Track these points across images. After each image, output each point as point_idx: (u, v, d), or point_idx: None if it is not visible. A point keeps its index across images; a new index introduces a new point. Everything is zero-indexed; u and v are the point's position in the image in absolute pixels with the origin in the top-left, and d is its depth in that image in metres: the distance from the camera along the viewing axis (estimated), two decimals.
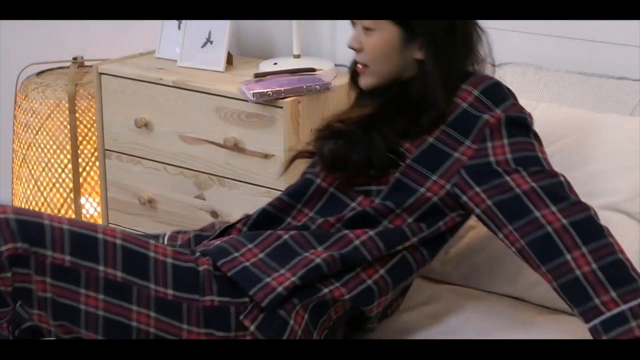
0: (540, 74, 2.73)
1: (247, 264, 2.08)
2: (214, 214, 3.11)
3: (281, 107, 2.91)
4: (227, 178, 3.06)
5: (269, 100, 2.91)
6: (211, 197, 3.12)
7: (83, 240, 1.96)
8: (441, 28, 2.23)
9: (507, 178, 2.11)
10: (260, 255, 2.11)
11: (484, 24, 2.86)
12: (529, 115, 2.21)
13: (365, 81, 2.32)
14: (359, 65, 2.33)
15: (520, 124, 2.18)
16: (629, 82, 2.63)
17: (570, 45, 2.84)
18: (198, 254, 2.11)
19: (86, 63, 3.55)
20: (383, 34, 2.26)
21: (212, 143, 3.06)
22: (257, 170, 3.00)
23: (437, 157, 2.19)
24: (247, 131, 2.99)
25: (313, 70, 3.04)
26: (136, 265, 1.99)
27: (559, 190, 2.10)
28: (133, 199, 3.27)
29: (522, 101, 2.63)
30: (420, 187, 2.18)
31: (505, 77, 2.76)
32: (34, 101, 3.47)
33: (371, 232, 2.14)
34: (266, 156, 2.97)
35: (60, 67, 3.63)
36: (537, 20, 2.81)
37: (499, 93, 2.22)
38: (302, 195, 2.25)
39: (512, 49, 2.93)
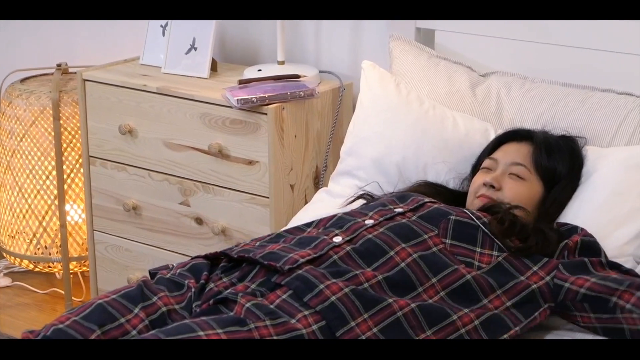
0: (525, 87, 2.73)
1: (363, 337, 2.04)
2: (199, 220, 3.11)
3: (265, 114, 2.91)
4: (212, 184, 3.06)
5: (253, 107, 2.91)
6: (196, 203, 3.12)
7: None
8: (565, 196, 2.46)
9: (602, 273, 2.23)
10: (374, 330, 2.06)
11: (469, 29, 2.89)
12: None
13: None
14: (486, 197, 2.43)
15: (593, 247, 2.33)
16: (614, 95, 2.63)
17: (556, 52, 2.86)
18: (253, 325, 2.00)
19: (70, 70, 3.55)
20: (531, 186, 2.45)
21: (197, 149, 3.06)
22: (242, 177, 3.00)
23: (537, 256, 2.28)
24: (231, 137, 2.99)
25: (297, 76, 3.05)
26: None
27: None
28: (118, 206, 3.27)
29: (505, 121, 2.67)
30: (520, 276, 2.23)
31: (492, 88, 2.77)
32: (18, 108, 3.47)
33: (477, 322, 2.15)
34: (251, 162, 2.97)
35: (44, 74, 3.62)
36: (523, 28, 2.82)
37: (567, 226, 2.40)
38: (408, 238, 2.22)
39: (498, 56, 2.94)
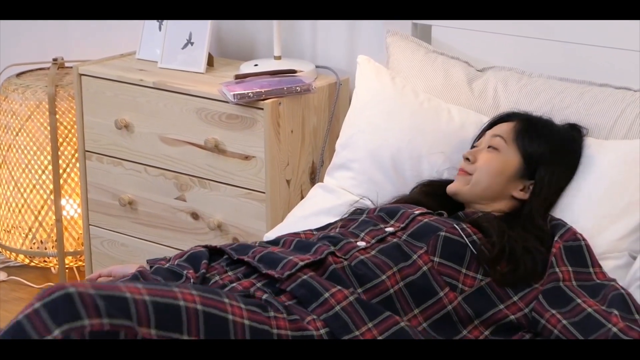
0: (523, 82, 2.73)
1: None
2: (195, 215, 3.11)
3: (262, 109, 2.91)
4: (208, 179, 3.06)
5: (250, 102, 2.91)
6: (192, 198, 3.11)
7: (166, 311, 1.86)
8: (554, 181, 2.42)
9: (579, 301, 2.21)
10: (379, 339, 2.07)
11: (466, 25, 2.89)
12: (583, 238, 2.34)
13: (456, 186, 2.45)
14: (462, 170, 2.45)
15: (577, 252, 2.31)
16: (611, 90, 2.63)
17: (553, 48, 2.86)
18: (272, 313, 2.01)
19: (66, 64, 3.54)
20: (505, 157, 2.43)
21: (193, 144, 3.06)
22: (238, 172, 3.00)
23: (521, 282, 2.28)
24: (227, 132, 2.99)
25: (294, 71, 3.04)
26: (218, 331, 1.91)
27: (620, 304, 2.20)
28: (113, 201, 3.27)
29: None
30: (500, 304, 2.23)
31: (489, 82, 2.77)
32: (14, 102, 3.47)
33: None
34: (247, 157, 2.97)
35: (40, 69, 3.62)
36: (521, 23, 2.82)
37: (555, 221, 2.39)
38: (399, 260, 2.22)
39: (496, 51, 2.94)
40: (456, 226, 2.28)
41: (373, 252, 2.22)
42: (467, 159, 2.46)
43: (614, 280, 2.26)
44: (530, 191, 2.42)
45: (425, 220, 2.31)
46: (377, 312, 2.08)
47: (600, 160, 2.44)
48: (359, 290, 2.13)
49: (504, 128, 2.49)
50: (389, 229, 2.31)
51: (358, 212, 2.53)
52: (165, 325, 1.85)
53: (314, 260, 2.17)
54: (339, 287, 2.10)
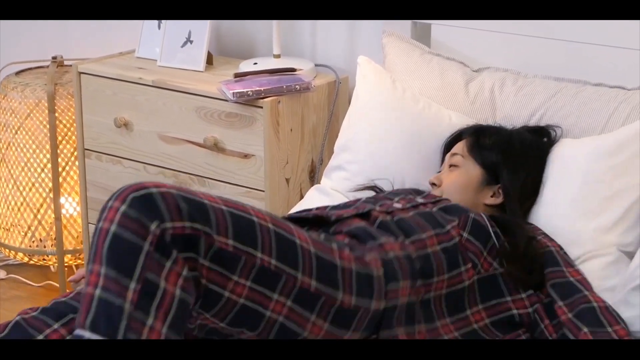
0: (519, 83, 2.73)
1: (400, 301, 2.09)
2: None
3: (261, 107, 2.91)
4: (207, 178, 3.06)
5: (249, 100, 2.91)
6: None
7: (243, 224, 1.86)
8: (519, 180, 2.45)
9: (586, 293, 2.24)
10: (411, 298, 2.11)
11: (466, 24, 2.89)
12: (553, 245, 2.38)
13: None
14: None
15: (548, 257, 2.34)
16: (605, 89, 2.63)
17: (554, 47, 2.86)
18: (335, 246, 2.04)
19: (66, 62, 3.54)
20: (466, 171, 2.48)
21: (192, 143, 3.06)
22: (237, 170, 3.00)
23: None
24: (227, 131, 2.99)
25: (293, 70, 3.04)
26: (288, 253, 1.91)
27: (591, 318, 2.21)
28: None
29: (498, 117, 2.69)
30: (509, 296, 2.26)
31: (485, 84, 2.77)
32: (13, 100, 3.47)
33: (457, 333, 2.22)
34: (246, 156, 2.97)
35: (39, 67, 3.62)
36: (521, 22, 2.82)
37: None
38: (436, 226, 2.24)
39: (496, 49, 2.94)
40: (483, 214, 2.32)
41: (411, 214, 2.27)
42: (434, 184, 2.51)
43: (589, 289, 2.26)
44: (502, 194, 2.46)
45: (452, 202, 2.36)
46: (415, 275, 2.11)
47: (576, 158, 2.46)
48: (407, 241, 2.16)
49: (459, 146, 2.54)
50: (420, 200, 2.36)
51: (377, 190, 2.59)
52: (242, 238, 1.85)
53: (357, 214, 2.24)
54: (392, 238, 2.15)
